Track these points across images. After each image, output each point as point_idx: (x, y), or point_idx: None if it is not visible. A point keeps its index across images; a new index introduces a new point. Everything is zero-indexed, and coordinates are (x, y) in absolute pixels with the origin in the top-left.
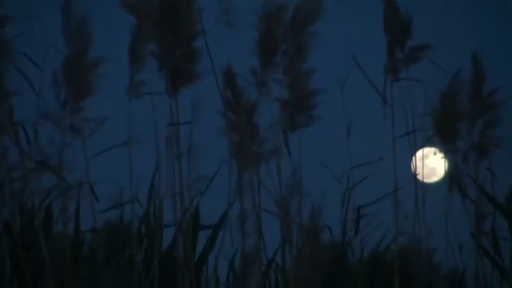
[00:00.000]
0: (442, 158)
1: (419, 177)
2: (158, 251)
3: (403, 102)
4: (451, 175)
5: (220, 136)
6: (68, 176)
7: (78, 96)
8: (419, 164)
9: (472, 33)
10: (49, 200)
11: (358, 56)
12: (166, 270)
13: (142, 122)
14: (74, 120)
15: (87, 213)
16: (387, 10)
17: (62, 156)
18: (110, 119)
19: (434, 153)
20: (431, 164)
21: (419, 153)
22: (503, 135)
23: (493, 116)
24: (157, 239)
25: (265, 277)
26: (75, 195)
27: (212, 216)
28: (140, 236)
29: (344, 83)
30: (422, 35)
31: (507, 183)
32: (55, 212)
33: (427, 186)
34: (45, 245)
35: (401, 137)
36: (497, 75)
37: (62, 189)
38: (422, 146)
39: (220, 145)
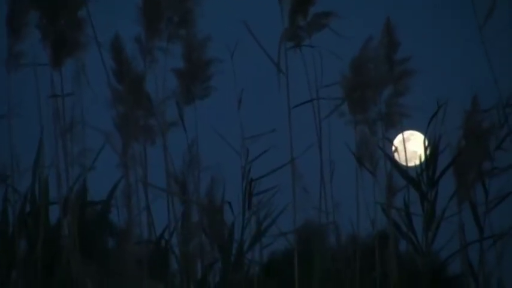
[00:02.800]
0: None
1: (400, 160)
2: (43, 229)
3: (306, 71)
4: (360, 147)
5: (107, 108)
6: None
7: None
8: (399, 147)
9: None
10: None
11: (251, 23)
12: (52, 249)
13: (25, 95)
14: None
15: None
16: None
17: None
18: None
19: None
20: (411, 148)
21: (399, 137)
22: (413, 104)
23: (402, 84)
24: (43, 217)
25: (154, 254)
26: None
27: (102, 192)
28: (24, 214)
29: (234, 51)
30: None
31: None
32: None
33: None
34: None
35: (296, 106)
36: (410, 43)
37: None
38: (328, 116)
39: (107, 117)
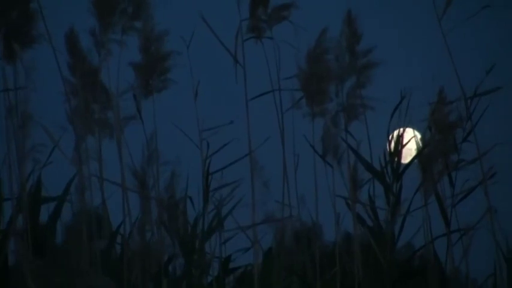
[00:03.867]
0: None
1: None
2: None
3: (267, 64)
4: (323, 140)
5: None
6: None
7: None
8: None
9: None
10: None
11: (207, 14)
12: (5, 247)
13: None
14: None
15: None
16: None
17: None
18: None
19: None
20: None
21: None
22: (375, 96)
23: (364, 76)
24: None
25: (110, 250)
26: None
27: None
28: None
29: (190, 43)
30: None
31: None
32: None
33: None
34: None
35: (254, 98)
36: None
37: None
38: (289, 108)
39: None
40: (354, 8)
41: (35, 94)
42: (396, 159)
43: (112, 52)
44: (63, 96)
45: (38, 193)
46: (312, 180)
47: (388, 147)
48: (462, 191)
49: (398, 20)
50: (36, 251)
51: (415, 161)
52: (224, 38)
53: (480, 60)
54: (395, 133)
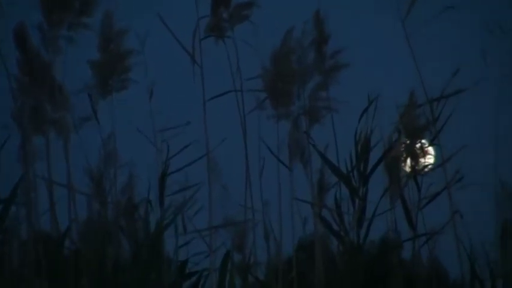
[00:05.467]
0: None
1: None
2: None
3: (230, 64)
4: (290, 142)
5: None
6: None
7: None
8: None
9: None
10: None
11: (164, 12)
12: None
13: None
14: None
15: None
16: None
17: None
18: None
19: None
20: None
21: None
22: (341, 98)
23: (331, 78)
24: None
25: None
26: None
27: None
28: None
29: (145, 42)
30: None
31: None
32: None
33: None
34: None
35: (212, 99)
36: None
37: None
38: (252, 110)
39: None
40: (321, 9)
41: None
42: (363, 162)
43: (63, 49)
44: (9, 94)
45: None
46: (276, 183)
47: (355, 150)
48: (427, 196)
49: (363, 21)
50: None
51: (382, 164)
52: (182, 37)
53: (446, 62)
54: (363, 136)
